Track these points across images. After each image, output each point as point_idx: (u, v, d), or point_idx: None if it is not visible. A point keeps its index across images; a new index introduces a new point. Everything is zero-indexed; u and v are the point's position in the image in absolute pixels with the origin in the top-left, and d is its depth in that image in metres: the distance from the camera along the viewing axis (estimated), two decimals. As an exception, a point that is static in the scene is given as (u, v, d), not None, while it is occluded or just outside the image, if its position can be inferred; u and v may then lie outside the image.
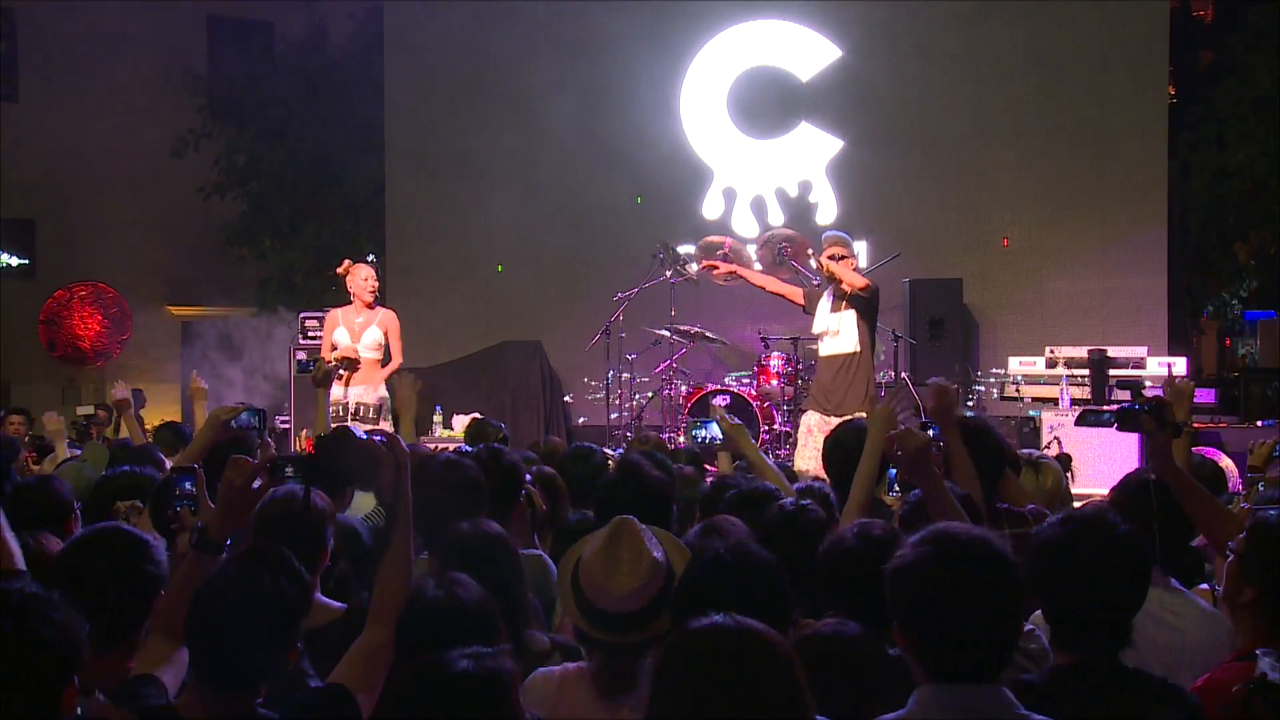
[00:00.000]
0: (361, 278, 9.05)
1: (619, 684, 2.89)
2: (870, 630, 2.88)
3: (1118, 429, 3.76)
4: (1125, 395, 9.41)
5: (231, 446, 4.78)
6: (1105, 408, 3.94)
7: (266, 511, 3.33)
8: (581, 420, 12.88)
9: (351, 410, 8.75)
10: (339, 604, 3.47)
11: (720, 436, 5.12)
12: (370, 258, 9.82)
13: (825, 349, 8.62)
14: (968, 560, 2.41)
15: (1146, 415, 3.58)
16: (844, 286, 8.39)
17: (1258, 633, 2.93)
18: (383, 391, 8.82)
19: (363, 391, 8.80)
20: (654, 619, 2.89)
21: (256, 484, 3.03)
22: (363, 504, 4.62)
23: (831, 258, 8.45)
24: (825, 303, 8.70)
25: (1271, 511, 3.45)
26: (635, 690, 2.87)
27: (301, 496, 3.17)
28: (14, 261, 18.36)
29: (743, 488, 4.19)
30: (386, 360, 9.00)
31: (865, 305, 8.46)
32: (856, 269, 8.75)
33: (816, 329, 8.68)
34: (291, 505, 3.32)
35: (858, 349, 8.44)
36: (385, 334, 9.00)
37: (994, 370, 11.97)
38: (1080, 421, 4.08)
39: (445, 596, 2.84)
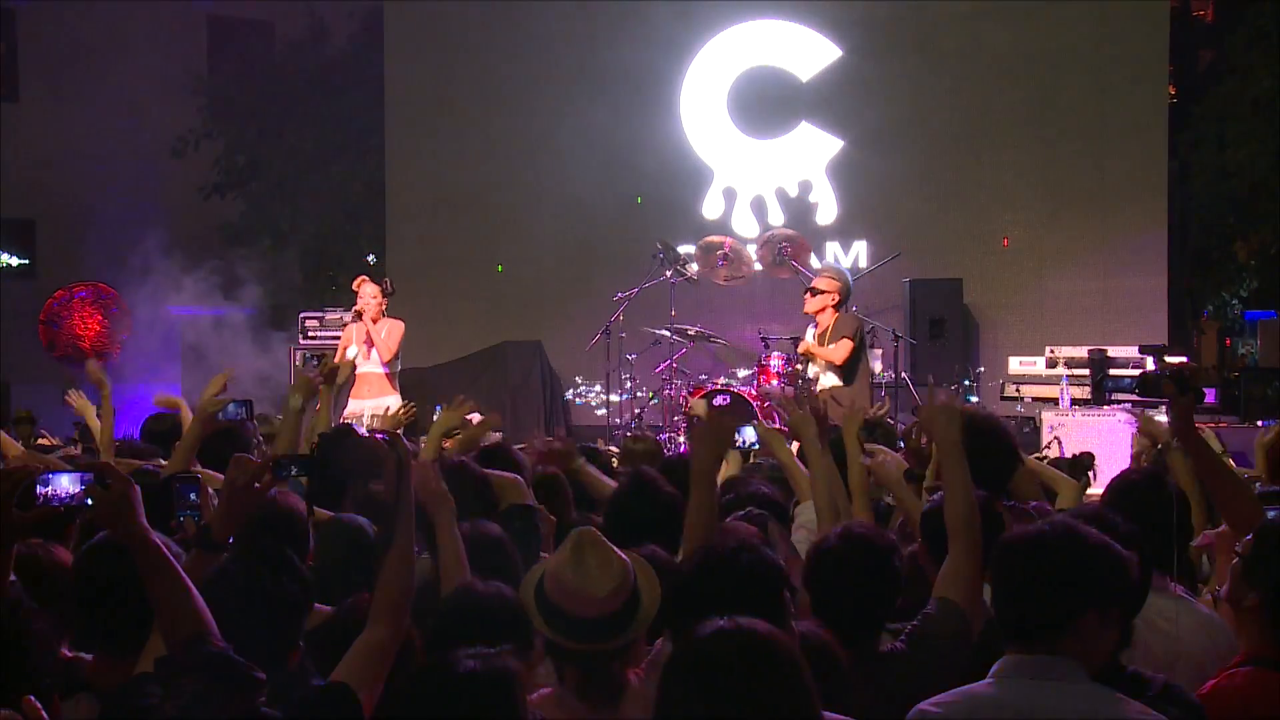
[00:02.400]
0: (368, 295, 9.19)
1: (603, 695, 2.87)
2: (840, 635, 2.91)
3: (1139, 395, 3.72)
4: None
5: (223, 440, 4.79)
6: (1126, 374, 3.94)
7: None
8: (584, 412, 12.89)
9: (366, 424, 8.78)
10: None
11: (757, 441, 5.12)
12: (370, 258, 9.87)
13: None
14: (1071, 545, 2.56)
15: (1168, 381, 3.51)
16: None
17: (1259, 639, 2.89)
18: (394, 403, 8.89)
19: (376, 405, 8.86)
20: (630, 622, 2.87)
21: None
22: None
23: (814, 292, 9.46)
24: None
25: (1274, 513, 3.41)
26: (620, 700, 2.86)
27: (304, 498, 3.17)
28: (14, 261, 18.35)
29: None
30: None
31: None
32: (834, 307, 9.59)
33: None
34: (268, 508, 3.31)
35: None
36: (385, 336, 9.14)
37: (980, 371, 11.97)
38: (1098, 388, 4.09)
39: (495, 594, 2.85)
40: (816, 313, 9.60)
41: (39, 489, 2.61)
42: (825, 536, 3.26)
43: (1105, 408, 9.29)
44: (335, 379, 5.87)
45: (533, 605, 2.91)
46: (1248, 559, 2.94)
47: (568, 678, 2.90)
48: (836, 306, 9.55)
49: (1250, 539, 2.98)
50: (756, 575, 2.82)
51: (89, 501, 2.57)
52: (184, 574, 2.59)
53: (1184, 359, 10.07)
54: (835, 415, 4.89)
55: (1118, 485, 3.71)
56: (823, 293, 9.54)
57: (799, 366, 9.88)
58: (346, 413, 8.89)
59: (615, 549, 2.95)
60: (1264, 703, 2.76)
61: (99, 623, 2.85)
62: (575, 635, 2.85)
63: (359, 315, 9.28)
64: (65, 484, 2.60)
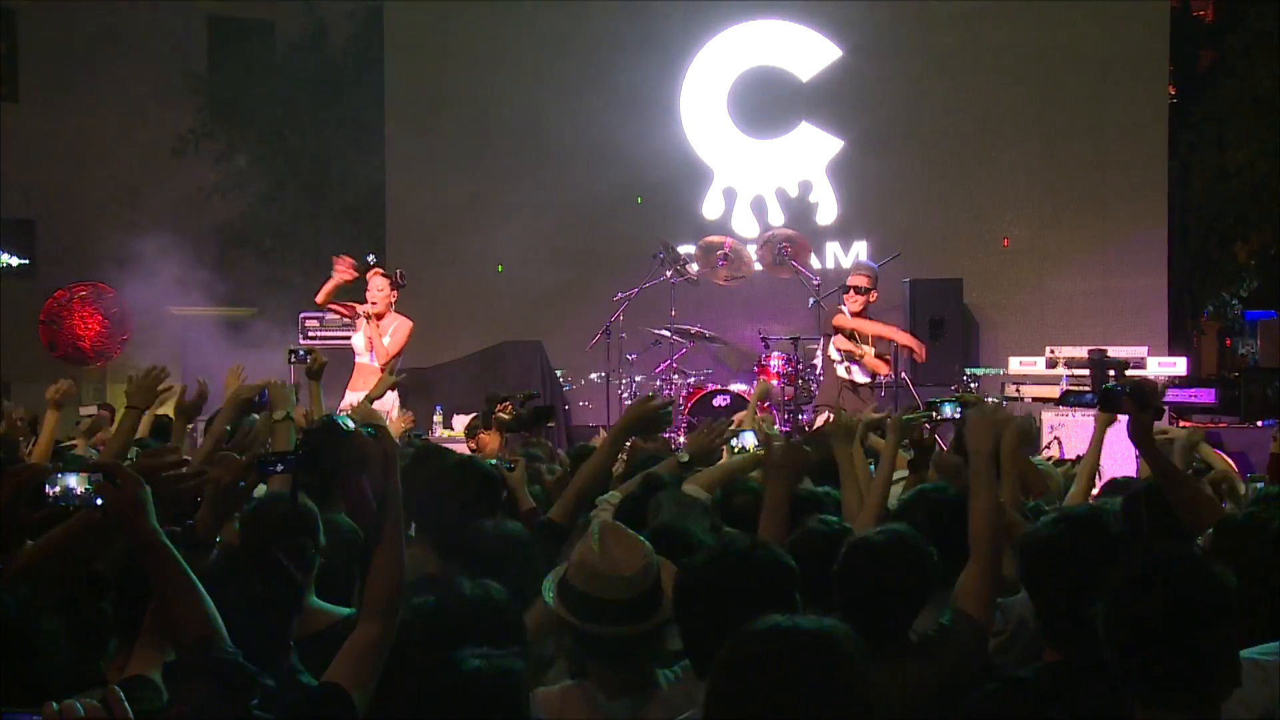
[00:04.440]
0: (377, 288, 9.20)
1: (632, 689, 2.86)
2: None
3: (1099, 409, 3.75)
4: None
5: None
6: (1086, 389, 3.98)
7: (255, 516, 3.29)
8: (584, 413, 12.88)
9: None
10: (344, 610, 3.37)
11: (760, 445, 5.02)
12: (370, 258, 9.85)
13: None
14: None
15: (1127, 397, 3.56)
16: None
17: None
18: (391, 399, 8.90)
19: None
20: (659, 606, 2.88)
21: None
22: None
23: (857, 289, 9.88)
24: None
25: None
26: (650, 701, 2.85)
27: (289, 493, 3.14)
28: (14, 261, 18.34)
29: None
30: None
31: None
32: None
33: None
34: (280, 506, 3.28)
35: None
36: (390, 338, 9.18)
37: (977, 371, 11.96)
38: (1062, 402, 4.10)
39: (483, 594, 2.82)
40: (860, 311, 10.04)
41: (47, 489, 2.56)
42: (862, 536, 3.25)
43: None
44: (320, 375, 5.93)
45: (557, 602, 2.91)
46: (1208, 553, 3.03)
47: (594, 674, 2.89)
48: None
49: (1210, 533, 3.11)
50: (770, 573, 2.82)
51: (98, 501, 2.54)
52: (193, 576, 2.55)
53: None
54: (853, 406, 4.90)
55: (1113, 489, 3.75)
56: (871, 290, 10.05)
57: (862, 351, 10.03)
58: (342, 405, 8.90)
59: (636, 535, 2.98)
60: None
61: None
62: (606, 619, 2.84)
63: (368, 316, 9.28)
64: (74, 484, 2.54)
